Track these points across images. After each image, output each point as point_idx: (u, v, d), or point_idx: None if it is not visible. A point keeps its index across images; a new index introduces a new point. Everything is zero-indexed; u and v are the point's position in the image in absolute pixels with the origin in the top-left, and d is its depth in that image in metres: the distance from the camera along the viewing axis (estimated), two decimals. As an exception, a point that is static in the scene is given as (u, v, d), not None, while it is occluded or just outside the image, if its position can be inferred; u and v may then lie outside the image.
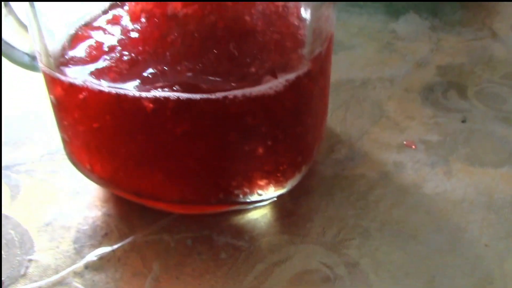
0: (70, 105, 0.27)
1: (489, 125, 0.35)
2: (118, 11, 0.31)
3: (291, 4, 0.27)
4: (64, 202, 0.31)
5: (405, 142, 0.34)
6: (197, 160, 0.26)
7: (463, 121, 0.36)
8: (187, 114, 0.25)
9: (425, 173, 0.32)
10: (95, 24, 0.30)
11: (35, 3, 0.27)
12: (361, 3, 0.51)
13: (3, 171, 0.33)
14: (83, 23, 0.30)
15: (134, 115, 0.25)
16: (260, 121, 0.25)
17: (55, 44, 0.28)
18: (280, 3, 0.27)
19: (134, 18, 0.28)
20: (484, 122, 0.36)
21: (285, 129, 0.26)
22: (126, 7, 0.31)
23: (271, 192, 0.28)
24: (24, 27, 0.32)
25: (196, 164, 0.26)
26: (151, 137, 0.26)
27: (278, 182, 0.28)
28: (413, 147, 0.34)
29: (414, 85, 0.40)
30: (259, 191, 0.28)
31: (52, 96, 0.28)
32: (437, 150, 0.33)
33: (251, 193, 0.28)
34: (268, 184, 0.28)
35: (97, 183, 0.30)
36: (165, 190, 0.28)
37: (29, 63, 0.32)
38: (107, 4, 0.32)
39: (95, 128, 0.27)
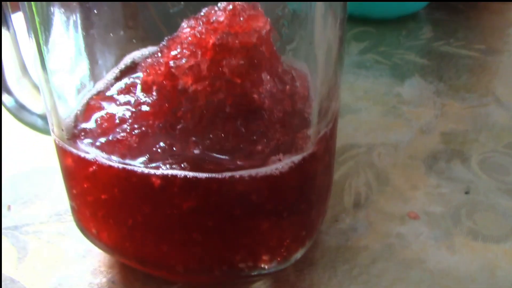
0: (80, 176, 0.28)
1: (492, 197, 0.36)
2: (130, 80, 0.32)
3: (298, 83, 0.28)
4: (70, 267, 0.31)
5: (408, 213, 0.34)
6: (202, 233, 0.27)
7: (467, 193, 0.36)
8: (193, 191, 0.25)
9: (428, 247, 0.32)
10: (108, 93, 0.31)
11: (48, 65, 0.27)
12: (368, 65, 0.52)
13: (11, 231, 0.34)
14: (95, 92, 0.31)
15: (141, 190, 0.26)
16: (265, 199, 0.26)
17: (67, 114, 0.29)
18: (288, 83, 0.28)
19: (145, 89, 0.29)
20: (487, 194, 0.36)
21: (290, 206, 0.27)
22: (138, 75, 0.32)
23: (274, 266, 0.28)
24: (38, 89, 0.33)
25: (201, 238, 0.27)
26: (158, 211, 0.26)
27: (282, 257, 0.28)
28: (417, 218, 0.34)
29: (419, 152, 0.40)
30: (263, 265, 0.28)
31: (62, 165, 0.29)
32: (440, 222, 0.34)
33: (255, 266, 0.28)
34: (272, 258, 0.28)
35: (103, 250, 0.30)
36: (169, 261, 0.28)
37: (42, 127, 0.33)
38: (119, 71, 0.34)
39: (103, 199, 0.27)
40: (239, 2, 0.28)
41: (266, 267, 0.28)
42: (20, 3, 0.27)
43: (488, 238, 0.33)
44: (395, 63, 0.53)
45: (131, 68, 0.34)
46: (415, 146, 0.41)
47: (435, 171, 0.38)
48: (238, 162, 0.25)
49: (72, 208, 0.30)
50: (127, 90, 0.31)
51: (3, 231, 0.34)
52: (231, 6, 0.28)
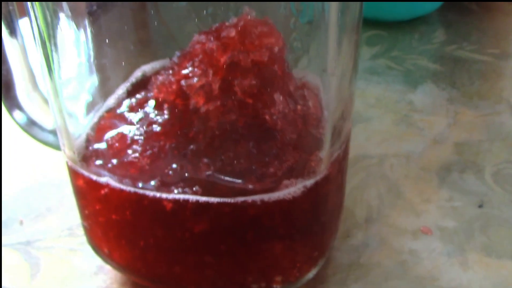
0: (91, 197, 0.28)
1: (506, 211, 0.35)
2: (141, 95, 0.32)
3: (310, 103, 0.28)
4: (82, 284, 0.31)
5: (421, 229, 0.34)
6: (215, 256, 0.27)
7: (480, 206, 0.36)
8: (205, 216, 0.25)
9: (441, 264, 0.32)
10: (119, 111, 0.31)
11: (56, 80, 0.27)
12: (380, 71, 0.51)
13: (24, 247, 0.34)
14: (106, 109, 0.31)
15: (153, 213, 0.26)
16: (277, 223, 0.26)
17: (78, 133, 0.29)
18: (300, 103, 0.27)
19: (157, 107, 0.29)
20: (501, 208, 0.36)
21: (302, 229, 0.27)
22: (150, 91, 0.32)
23: (287, 286, 0.28)
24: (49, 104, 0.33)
25: (213, 260, 0.27)
26: (170, 233, 0.26)
27: (294, 277, 0.28)
28: (429, 234, 0.34)
29: (431, 164, 0.40)
30: (275, 286, 0.28)
31: (73, 185, 0.29)
32: (453, 237, 0.33)
33: (268, 287, 0.28)
34: (284, 279, 0.28)
35: (115, 268, 0.30)
36: (182, 282, 0.28)
37: (54, 142, 0.33)
38: (130, 85, 0.33)
39: (115, 221, 0.27)
40: (250, 18, 0.28)
41: (278, 287, 0.28)
42: (26, 11, 0.27)
43: (502, 254, 0.32)
44: (408, 68, 0.52)
45: (142, 82, 0.34)
46: (428, 157, 0.40)
47: (447, 184, 0.38)
48: (250, 186, 0.25)
49: (84, 227, 0.30)
50: (138, 107, 0.31)
51: (16, 246, 0.34)
52: (242, 22, 0.28)
